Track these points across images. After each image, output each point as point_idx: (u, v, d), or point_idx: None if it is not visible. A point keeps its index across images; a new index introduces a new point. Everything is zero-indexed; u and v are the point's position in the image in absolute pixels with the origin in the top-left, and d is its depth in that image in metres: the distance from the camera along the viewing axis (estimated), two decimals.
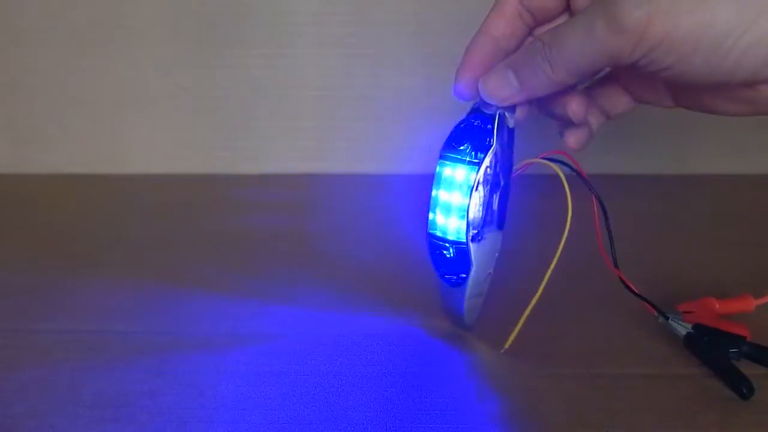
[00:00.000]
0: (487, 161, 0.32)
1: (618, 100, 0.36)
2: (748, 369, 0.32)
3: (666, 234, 0.50)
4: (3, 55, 0.63)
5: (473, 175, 0.32)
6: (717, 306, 0.36)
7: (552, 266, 0.33)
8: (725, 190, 0.59)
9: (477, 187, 0.32)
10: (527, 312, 0.34)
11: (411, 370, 0.35)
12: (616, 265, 0.35)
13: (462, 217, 0.33)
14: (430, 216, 0.35)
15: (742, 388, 0.31)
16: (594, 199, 0.34)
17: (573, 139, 0.35)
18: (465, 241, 0.33)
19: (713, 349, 0.33)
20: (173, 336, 0.38)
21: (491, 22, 0.34)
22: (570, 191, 0.32)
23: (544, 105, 0.34)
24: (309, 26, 0.60)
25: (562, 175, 0.33)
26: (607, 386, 0.33)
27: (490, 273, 0.35)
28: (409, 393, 0.33)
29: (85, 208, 0.59)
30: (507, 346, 0.35)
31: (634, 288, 0.35)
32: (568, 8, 0.33)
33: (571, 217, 0.32)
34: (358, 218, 0.54)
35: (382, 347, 0.36)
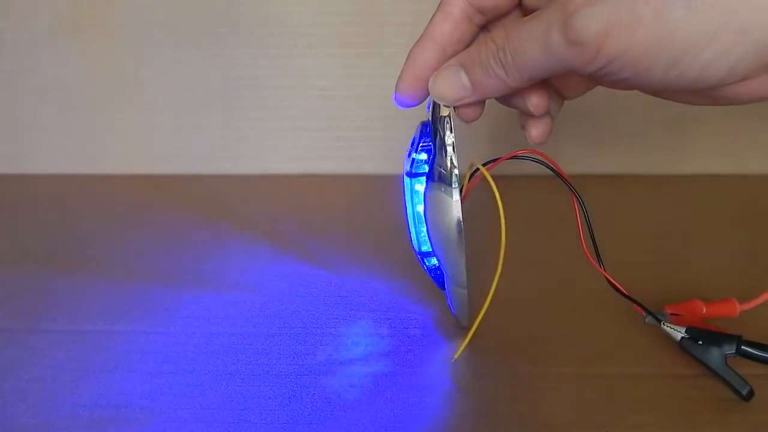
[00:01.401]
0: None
1: (575, 84, 0.34)
2: (747, 368, 0.32)
3: (664, 234, 0.50)
4: (3, 55, 0.63)
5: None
6: (704, 310, 0.35)
7: (499, 269, 0.32)
8: (725, 190, 0.59)
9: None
10: (480, 316, 0.33)
11: (411, 370, 0.35)
12: (601, 266, 0.35)
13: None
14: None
15: (742, 391, 0.31)
16: (574, 198, 0.34)
17: (536, 132, 0.33)
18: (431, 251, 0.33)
19: (709, 351, 0.33)
20: (173, 336, 0.38)
21: (436, 26, 0.32)
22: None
23: (503, 97, 0.33)
24: (309, 26, 0.60)
25: (490, 178, 0.31)
26: (607, 386, 0.33)
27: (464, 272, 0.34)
28: (409, 392, 0.33)
29: (85, 208, 0.59)
30: (456, 356, 0.35)
31: (621, 288, 0.35)
32: (520, 3, 0.32)
33: (505, 221, 0.31)
34: (358, 219, 0.54)
35: (382, 347, 0.36)
